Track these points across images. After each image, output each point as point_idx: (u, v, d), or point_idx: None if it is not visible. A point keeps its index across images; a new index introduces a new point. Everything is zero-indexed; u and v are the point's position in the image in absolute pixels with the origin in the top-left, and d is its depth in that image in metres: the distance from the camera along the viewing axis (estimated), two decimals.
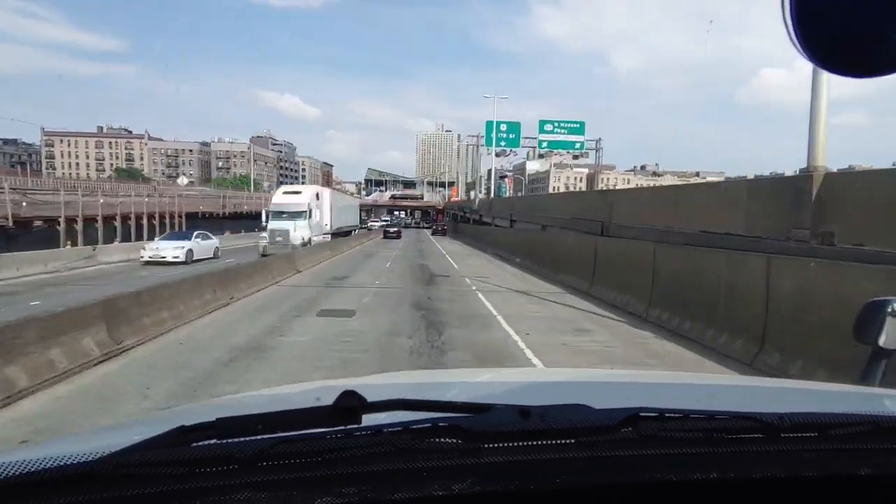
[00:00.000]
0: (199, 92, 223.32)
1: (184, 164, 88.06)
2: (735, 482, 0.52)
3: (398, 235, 33.14)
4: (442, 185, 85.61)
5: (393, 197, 68.31)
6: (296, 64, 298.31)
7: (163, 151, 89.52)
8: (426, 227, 57.99)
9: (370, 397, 0.54)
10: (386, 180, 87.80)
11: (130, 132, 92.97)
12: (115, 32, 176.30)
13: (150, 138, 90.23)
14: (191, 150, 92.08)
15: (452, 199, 64.68)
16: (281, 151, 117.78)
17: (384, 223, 51.76)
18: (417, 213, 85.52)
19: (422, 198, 70.39)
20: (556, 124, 31.29)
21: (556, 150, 36.18)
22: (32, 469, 0.46)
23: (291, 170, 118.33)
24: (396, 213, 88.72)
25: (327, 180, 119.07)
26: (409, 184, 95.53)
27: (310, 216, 17.30)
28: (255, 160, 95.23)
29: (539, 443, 0.52)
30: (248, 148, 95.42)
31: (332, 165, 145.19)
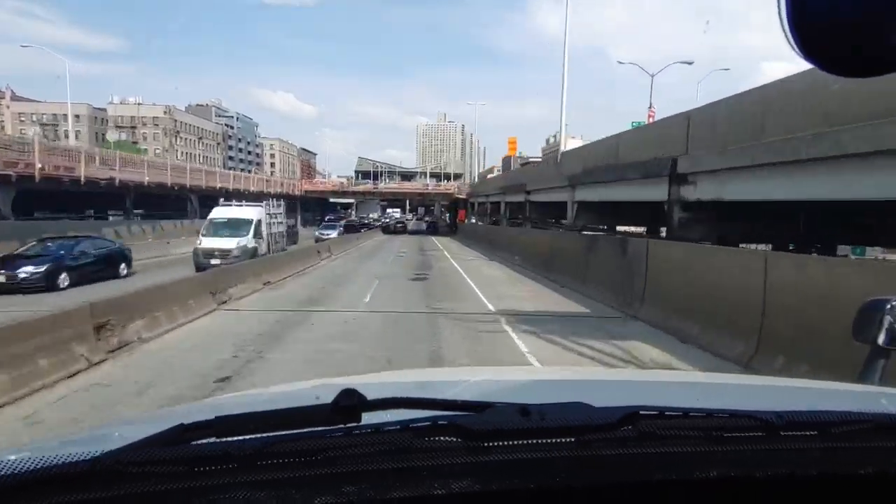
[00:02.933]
0: (195, 91, 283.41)
1: (67, 135, 74.67)
2: (735, 480, 0.68)
3: (404, 230, 46.29)
4: (448, 176, 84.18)
5: (377, 186, 61.23)
6: (291, 62, 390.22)
7: (35, 117, 79.77)
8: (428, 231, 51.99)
9: (370, 396, 0.70)
10: (380, 171, 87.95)
11: None
12: (112, 32, 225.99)
13: (14, 98, 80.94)
14: (77, 116, 76.73)
15: (487, 177, 50.82)
16: (231, 127, 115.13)
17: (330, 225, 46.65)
18: (421, 210, 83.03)
19: (425, 188, 61.77)
20: None
21: None
22: (32, 468, 0.59)
23: (249, 152, 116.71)
24: (391, 210, 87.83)
25: (307, 171, 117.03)
26: (407, 176, 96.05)
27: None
28: (178, 132, 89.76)
29: (539, 441, 0.68)
30: (166, 112, 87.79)
31: (315, 154, 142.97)
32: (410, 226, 63.57)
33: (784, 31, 0.62)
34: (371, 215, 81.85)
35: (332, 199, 74.40)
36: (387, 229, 53.54)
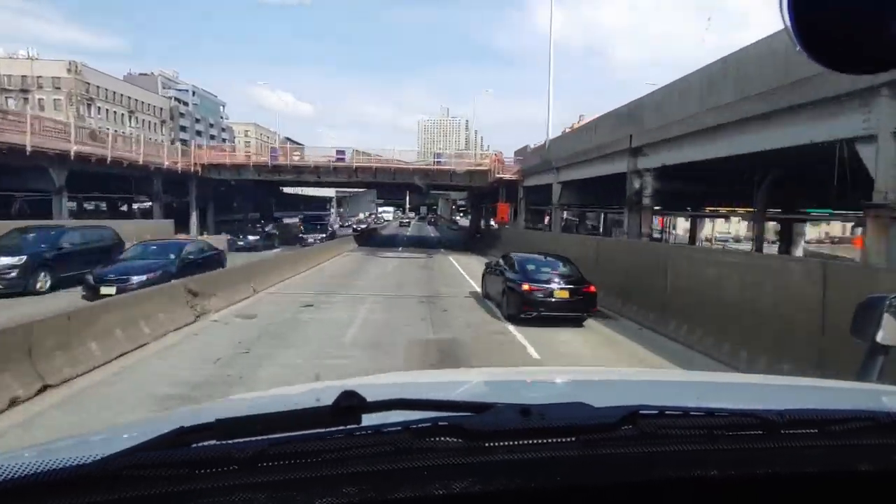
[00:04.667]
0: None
1: None
2: (736, 479, 0.79)
3: (398, 239, 38.30)
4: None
5: (343, 159, 36.53)
6: (289, 62, 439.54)
7: None
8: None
9: (370, 397, 0.81)
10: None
11: None
12: (114, 32, 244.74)
13: None
14: None
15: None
16: (185, 103, 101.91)
17: None
18: (423, 209, 78.15)
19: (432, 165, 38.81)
20: None
21: None
22: (34, 471, 0.69)
23: (212, 136, 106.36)
24: (383, 210, 74.58)
25: None
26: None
27: None
28: (93, 99, 73.54)
29: (540, 441, 0.79)
30: (71, 70, 69.72)
31: (301, 145, 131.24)
32: (409, 231, 53.22)
33: (787, 29, 0.72)
34: (360, 214, 75.06)
35: (287, 190, 56.48)
36: (363, 237, 39.91)
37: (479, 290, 14.81)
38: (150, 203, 33.67)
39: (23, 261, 13.34)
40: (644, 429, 0.80)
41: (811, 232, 44.05)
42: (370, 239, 39.90)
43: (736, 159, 13.18)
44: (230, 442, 0.74)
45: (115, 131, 51.78)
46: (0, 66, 70.71)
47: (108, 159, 27.47)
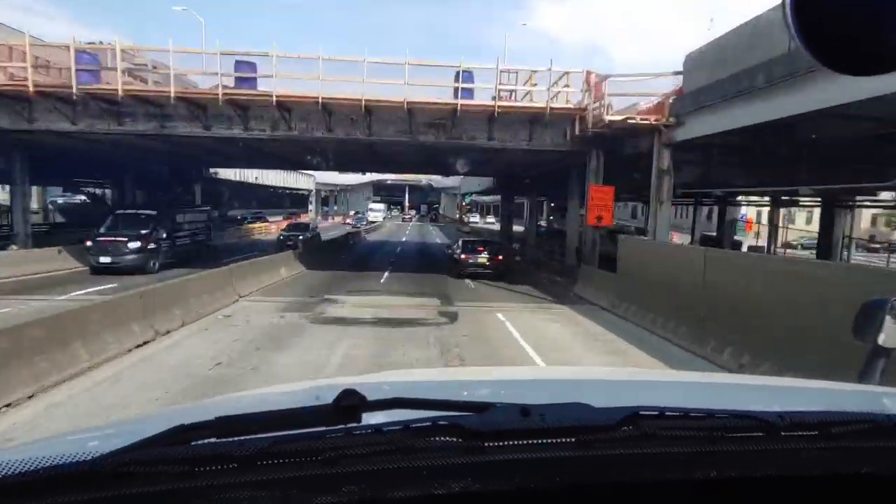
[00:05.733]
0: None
1: None
2: (735, 480, 0.85)
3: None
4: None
5: (244, 82, 16.46)
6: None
7: None
8: None
9: (370, 396, 0.88)
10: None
11: None
12: (113, 28, 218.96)
13: None
14: None
15: None
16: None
17: None
18: (422, 206, 74.31)
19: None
20: None
21: None
22: (33, 468, 0.74)
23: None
24: (374, 206, 74.68)
25: None
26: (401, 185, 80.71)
27: None
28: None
29: (539, 441, 0.85)
30: None
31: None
32: (407, 234, 45.53)
33: (790, 29, 0.79)
34: (350, 212, 71.19)
35: (227, 176, 38.59)
36: (327, 249, 27.10)
37: None
38: None
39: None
40: (644, 430, 0.86)
41: None
42: (341, 252, 27.81)
43: None
44: (230, 440, 0.79)
45: None
46: None
47: None
